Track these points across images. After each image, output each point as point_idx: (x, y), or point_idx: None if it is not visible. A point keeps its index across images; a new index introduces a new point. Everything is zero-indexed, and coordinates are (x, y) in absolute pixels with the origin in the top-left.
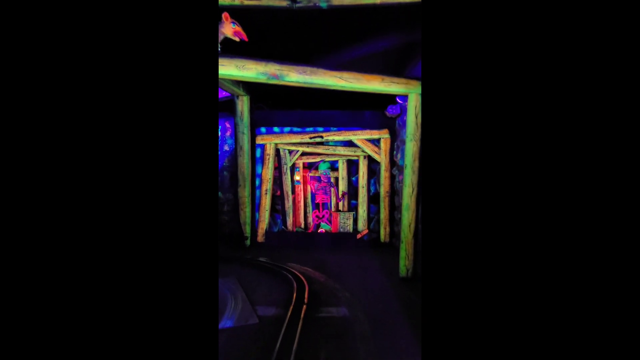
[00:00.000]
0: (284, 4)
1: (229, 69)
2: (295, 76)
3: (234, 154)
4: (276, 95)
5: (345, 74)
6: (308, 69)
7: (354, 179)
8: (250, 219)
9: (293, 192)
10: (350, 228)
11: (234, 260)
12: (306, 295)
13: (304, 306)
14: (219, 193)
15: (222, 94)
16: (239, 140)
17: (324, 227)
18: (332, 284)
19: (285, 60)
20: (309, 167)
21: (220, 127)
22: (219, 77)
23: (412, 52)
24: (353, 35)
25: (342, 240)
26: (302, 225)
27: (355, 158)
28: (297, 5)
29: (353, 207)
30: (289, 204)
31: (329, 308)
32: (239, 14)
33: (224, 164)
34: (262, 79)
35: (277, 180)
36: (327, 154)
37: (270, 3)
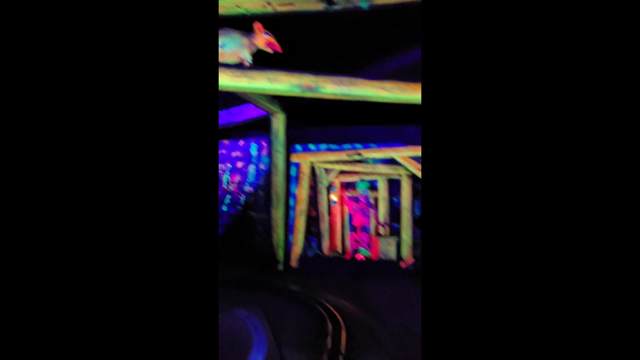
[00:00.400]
0: (320, 7)
1: (260, 81)
2: (331, 87)
3: (268, 172)
4: (312, 111)
5: (388, 84)
6: (346, 79)
7: (395, 199)
8: (283, 241)
9: (329, 213)
10: (392, 255)
11: (263, 287)
12: (343, 342)
13: (341, 358)
14: (253, 213)
15: (257, 112)
16: (274, 158)
17: (362, 253)
18: (373, 324)
19: (320, 72)
20: (347, 186)
21: (256, 145)
22: (251, 92)
23: None
24: (397, 40)
25: (383, 268)
26: (339, 250)
27: (397, 177)
28: (334, 7)
29: (395, 231)
30: (324, 225)
31: (369, 357)
32: (271, 22)
33: (260, 182)
34: (296, 92)
35: (313, 200)
36: (366, 173)
37: (305, 7)
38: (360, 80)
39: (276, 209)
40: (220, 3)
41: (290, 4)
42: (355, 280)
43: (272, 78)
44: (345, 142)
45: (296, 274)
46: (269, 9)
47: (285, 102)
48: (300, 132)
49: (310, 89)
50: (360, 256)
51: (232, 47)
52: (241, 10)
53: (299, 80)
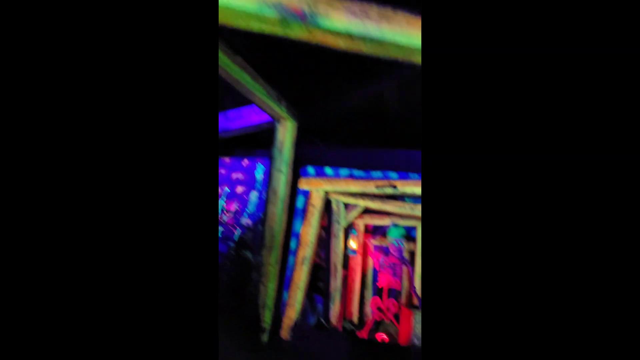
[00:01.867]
0: None
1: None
2: (341, 19)
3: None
4: (334, 121)
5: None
6: (361, 5)
7: None
8: (273, 300)
9: (345, 266)
10: None
11: None
12: None
13: None
14: (248, 254)
15: (262, 117)
16: (273, 181)
17: (387, 328)
18: None
19: None
20: (373, 231)
21: (263, 167)
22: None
23: None
24: None
25: (414, 355)
26: (354, 319)
27: None
28: None
29: None
30: (336, 282)
31: None
32: None
33: (262, 215)
34: (270, 20)
35: (323, 246)
36: (402, 215)
37: None
38: (400, 13)
39: (269, 252)
40: None
41: None
42: None
43: None
44: (375, 169)
45: (285, 351)
46: None
47: (298, 105)
48: (315, 149)
49: (300, 15)
50: (382, 336)
51: None
52: None
53: None
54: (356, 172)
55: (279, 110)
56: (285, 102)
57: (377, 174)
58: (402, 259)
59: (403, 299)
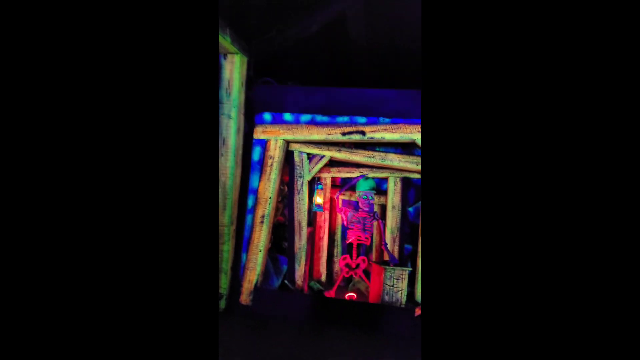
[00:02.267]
0: None
1: None
2: None
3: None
4: (294, 58)
5: None
6: None
7: (411, 209)
8: (231, 262)
9: (311, 223)
10: (401, 296)
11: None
12: None
13: None
14: None
15: None
16: (222, 130)
17: (357, 286)
18: None
19: None
20: (341, 184)
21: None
22: None
23: None
24: None
25: (385, 317)
26: (323, 277)
27: (418, 175)
28: None
29: (409, 258)
30: (301, 241)
31: None
32: None
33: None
34: None
35: (286, 202)
36: (371, 165)
37: None
38: None
39: (222, 211)
40: None
41: None
42: (339, 337)
43: None
44: (341, 113)
45: (246, 317)
46: None
47: (248, 35)
48: (272, 91)
49: None
50: (351, 295)
51: None
52: None
53: None
54: (319, 118)
55: (224, 42)
56: (232, 31)
57: (343, 119)
58: (372, 213)
59: (373, 255)
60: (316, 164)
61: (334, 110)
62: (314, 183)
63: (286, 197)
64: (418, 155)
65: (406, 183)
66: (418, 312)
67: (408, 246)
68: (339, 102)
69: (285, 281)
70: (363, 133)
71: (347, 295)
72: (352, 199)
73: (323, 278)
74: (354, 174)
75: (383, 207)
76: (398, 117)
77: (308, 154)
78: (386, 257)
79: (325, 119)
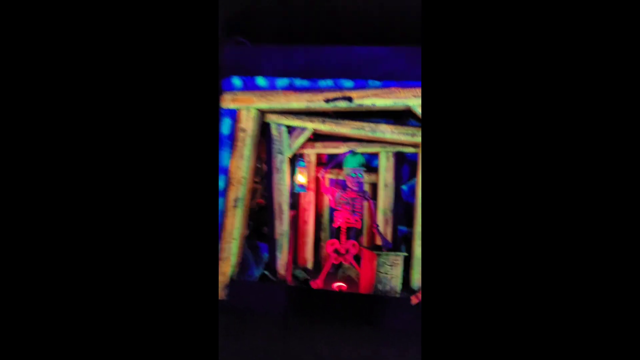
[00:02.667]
0: None
1: None
2: None
3: None
4: (267, 14)
5: None
6: None
7: (405, 187)
8: None
9: (294, 205)
10: (396, 283)
11: None
12: None
13: None
14: None
15: None
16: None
17: (347, 272)
18: None
19: None
20: (327, 162)
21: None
22: None
23: None
24: None
25: (379, 309)
26: (309, 265)
27: (413, 149)
28: None
29: (402, 239)
30: (282, 226)
31: None
32: None
33: None
34: None
35: (264, 182)
36: (361, 139)
37: None
38: None
39: None
40: None
41: None
42: (329, 330)
43: None
44: (323, 76)
45: (220, 313)
46: None
47: None
48: (243, 52)
49: None
50: (341, 285)
51: None
52: None
53: None
54: (298, 82)
55: None
56: None
57: (326, 82)
58: (362, 193)
59: (364, 239)
60: (297, 137)
61: (315, 73)
62: (295, 160)
63: (265, 176)
64: (413, 126)
65: (399, 158)
66: (414, 300)
67: (402, 228)
68: (321, 63)
69: (265, 271)
70: (350, 99)
71: (336, 285)
72: (340, 177)
73: (309, 265)
74: (341, 149)
75: (374, 186)
76: (390, 79)
77: (287, 126)
78: (378, 241)
79: (305, 83)
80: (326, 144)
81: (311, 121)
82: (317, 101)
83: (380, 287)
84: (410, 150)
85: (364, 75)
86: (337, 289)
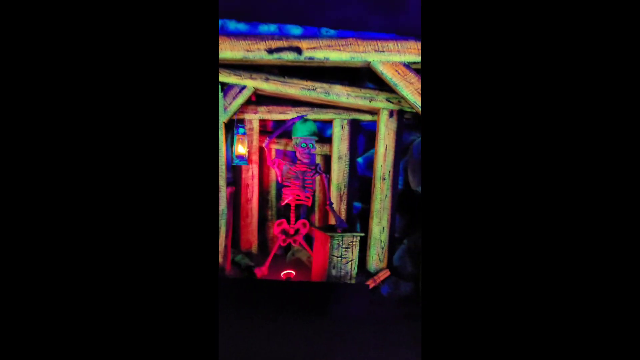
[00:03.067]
0: None
1: None
2: None
3: None
4: None
5: None
6: None
7: (361, 160)
8: None
9: (233, 181)
10: (351, 267)
11: None
12: None
13: None
14: None
15: None
16: None
17: (297, 255)
18: None
19: None
20: (273, 129)
21: None
22: None
23: None
24: None
25: (333, 295)
26: (254, 249)
27: (370, 117)
28: None
29: (357, 215)
30: (219, 205)
31: None
32: None
33: None
34: None
35: None
36: (312, 103)
37: None
38: None
39: None
40: None
41: None
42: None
43: None
44: (266, 20)
45: None
46: None
47: None
48: None
49: None
50: (289, 273)
51: None
52: None
53: None
54: (233, 26)
55: None
56: None
57: (269, 28)
58: (313, 166)
59: (316, 217)
60: (234, 98)
61: (254, 15)
62: (233, 126)
63: None
64: (372, 89)
65: (354, 127)
66: (371, 284)
67: (357, 204)
68: (262, 3)
69: None
70: (299, 51)
71: (284, 273)
72: (288, 148)
73: (254, 249)
74: (290, 114)
75: (327, 158)
76: (347, 28)
77: (221, 83)
78: (332, 221)
79: (242, 27)
80: (271, 108)
81: (251, 78)
82: (257, 50)
83: (334, 272)
84: (367, 117)
85: (315, 21)
86: (284, 278)
